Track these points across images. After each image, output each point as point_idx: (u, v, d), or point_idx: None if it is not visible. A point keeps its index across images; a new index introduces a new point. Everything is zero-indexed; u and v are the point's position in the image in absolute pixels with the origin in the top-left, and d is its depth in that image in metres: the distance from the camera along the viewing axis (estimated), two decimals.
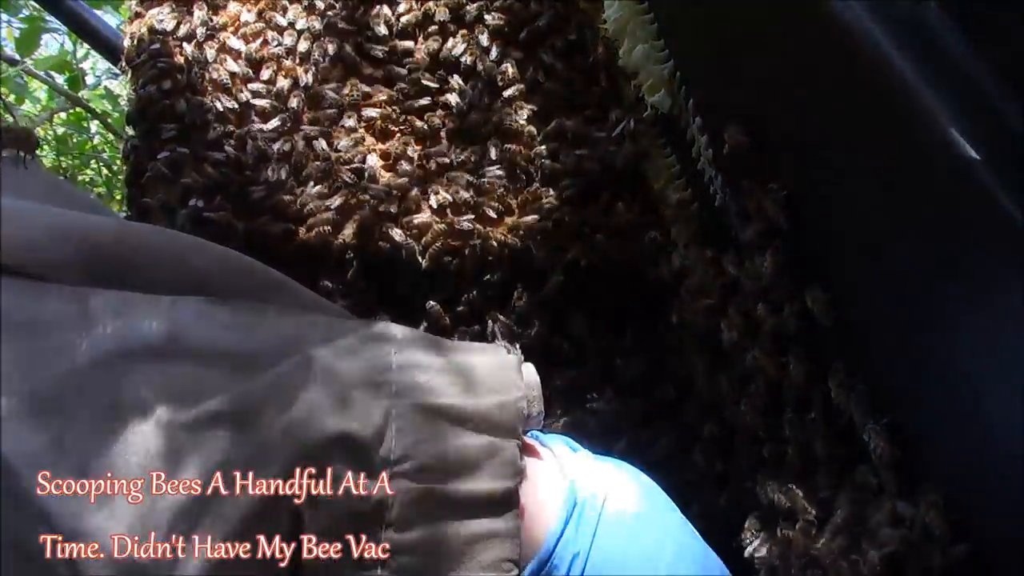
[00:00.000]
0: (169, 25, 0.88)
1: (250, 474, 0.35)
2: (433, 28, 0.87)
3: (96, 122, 2.05)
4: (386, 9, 0.87)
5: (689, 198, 0.72)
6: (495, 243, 0.79)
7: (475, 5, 0.86)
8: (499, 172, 0.82)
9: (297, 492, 0.35)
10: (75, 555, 0.33)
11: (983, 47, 0.41)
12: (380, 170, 0.83)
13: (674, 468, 0.69)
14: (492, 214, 0.80)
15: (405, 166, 0.82)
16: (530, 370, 0.43)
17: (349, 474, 0.36)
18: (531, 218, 0.80)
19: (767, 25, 0.54)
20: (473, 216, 0.80)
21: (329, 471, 0.36)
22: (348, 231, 0.80)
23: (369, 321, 0.44)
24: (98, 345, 0.36)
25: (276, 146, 0.84)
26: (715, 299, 0.64)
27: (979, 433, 0.42)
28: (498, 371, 0.41)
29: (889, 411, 0.49)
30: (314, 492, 0.35)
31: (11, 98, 1.96)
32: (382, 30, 0.86)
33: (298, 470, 0.35)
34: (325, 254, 0.80)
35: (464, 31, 0.86)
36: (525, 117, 0.84)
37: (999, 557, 0.41)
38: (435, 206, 0.81)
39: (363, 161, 0.83)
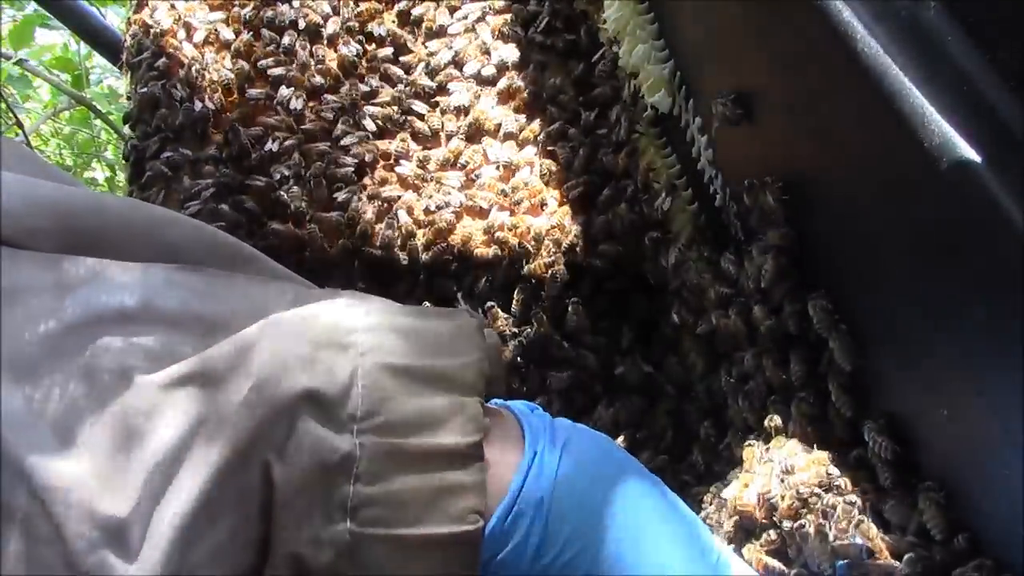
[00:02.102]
0: (168, 25, 0.89)
1: (222, 429, 0.36)
2: (433, 29, 0.87)
3: (100, 120, 2.05)
4: (385, 11, 0.88)
5: (689, 198, 0.72)
6: (495, 243, 0.79)
7: (477, 5, 0.86)
8: (499, 173, 0.82)
9: (267, 446, 0.36)
10: (55, 512, 0.34)
11: (983, 47, 0.41)
12: (381, 170, 0.83)
13: (673, 467, 0.69)
14: (492, 214, 0.80)
15: (405, 166, 0.82)
16: (491, 334, 0.44)
17: (317, 429, 0.37)
18: (531, 218, 0.80)
19: (767, 25, 0.54)
20: (473, 216, 0.80)
21: (298, 426, 0.37)
22: (349, 231, 0.80)
23: (335, 290, 0.45)
24: (73, 310, 0.37)
25: (277, 146, 0.84)
26: (714, 299, 0.64)
27: (984, 432, 0.42)
28: (460, 334, 0.42)
29: (888, 410, 0.49)
30: (282, 445, 0.36)
31: (15, 95, 1.97)
32: (382, 30, 0.86)
33: (268, 425, 0.36)
34: (324, 255, 0.80)
35: (465, 31, 0.86)
36: (525, 117, 0.83)
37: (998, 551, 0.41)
38: (435, 206, 0.81)
39: (364, 161, 0.83)
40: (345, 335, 0.39)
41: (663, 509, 0.44)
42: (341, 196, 0.82)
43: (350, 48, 0.87)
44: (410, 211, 0.81)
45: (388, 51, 0.87)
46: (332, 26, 0.88)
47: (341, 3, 0.88)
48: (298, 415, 0.37)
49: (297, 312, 0.40)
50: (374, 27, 0.87)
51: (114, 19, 1.75)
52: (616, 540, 0.41)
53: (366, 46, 0.87)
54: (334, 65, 0.86)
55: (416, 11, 0.87)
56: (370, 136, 0.84)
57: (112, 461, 0.35)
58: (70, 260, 0.39)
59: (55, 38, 1.97)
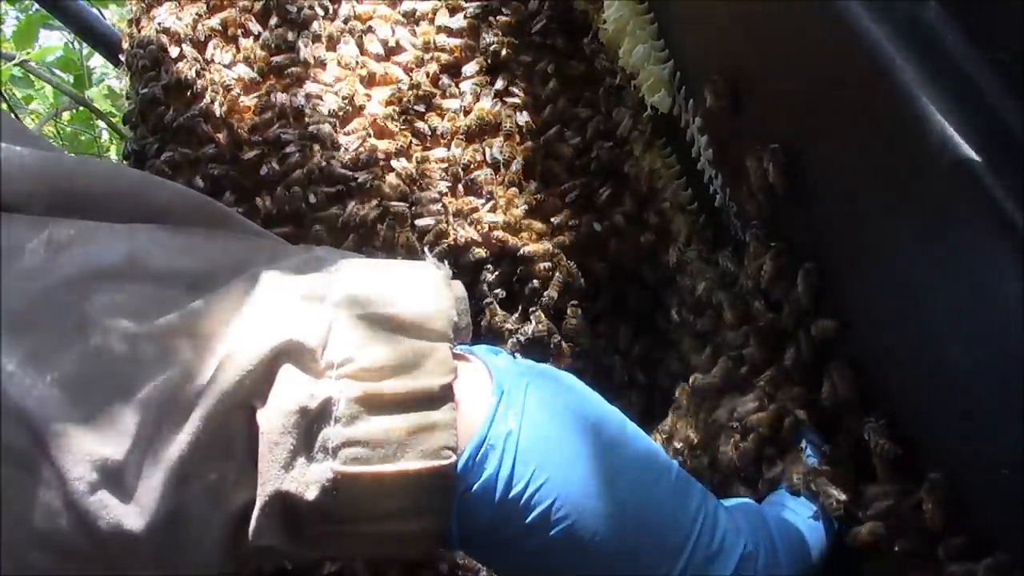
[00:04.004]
0: (168, 26, 0.89)
1: (208, 378, 0.38)
2: (434, 28, 0.87)
3: (102, 121, 2.05)
4: (386, 10, 0.87)
5: (689, 198, 0.72)
6: (494, 242, 0.79)
7: (477, 5, 0.86)
8: (498, 173, 0.82)
9: (252, 392, 0.39)
10: (55, 456, 0.36)
11: (983, 47, 0.41)
12: (380, 169, 0.83)
13: None
14: (491, 214, 0.80)
15: (404, 165, 0.82)
16: (458, 285, 0.47)
17: (297, 376, 0.39)
18: (530, 218, 0.80)
19: (767, 25, 0.54)
20: (472, 216, 0.80)
21: (279, 374, 0.39)
22: (349, 231, 0.80)
23: (309, 246, 0.48)
24: (65, 268, 0.40)
25: (277, 145, 0.84)
26: (714, 297, 0.64)
27: (983, 432, 0.42)
28: (429, 284, 0.44)
29: (888, 408, 0.49)
30: (266, 392, 0.39)
31: (18, 96, 1.97)
32: (382, 30, 0.86)
33: (251, 374, 0.39)
34: None
35: (465, 32, 0.86)
36: (524, 117, 0.83)
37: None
38: (435, 206, 0.81)
39: (364, 160, 0.83)
40: (321, 288, 0.42)
41: (625, 436, 0.46)
42: (341, 196, 0.82)
43: (350, 47, 0.87)
44: (409, 210, 0.81)
45: (386, 50, 0.87)
46: (332, 26, 0.88)
47: (342, 2, 0.88)
48: (279, 363, 0.39)
49: (275, 266, 0.43)
50: (375, 26, 0.87)
51: (114, 19, 1.75)
52: (583, 467, 0.43)
53: (366, 45, 0.87)
54: (335, 64, 0.86)
55: (417, 11, 0.87)
56: (370, 135, 0.84)
57: (105, 409, 0.37)
58: (60, 222, 0.41)
59: (57, 38, 1.97)
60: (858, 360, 0.52)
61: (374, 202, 0.82)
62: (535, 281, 0.79)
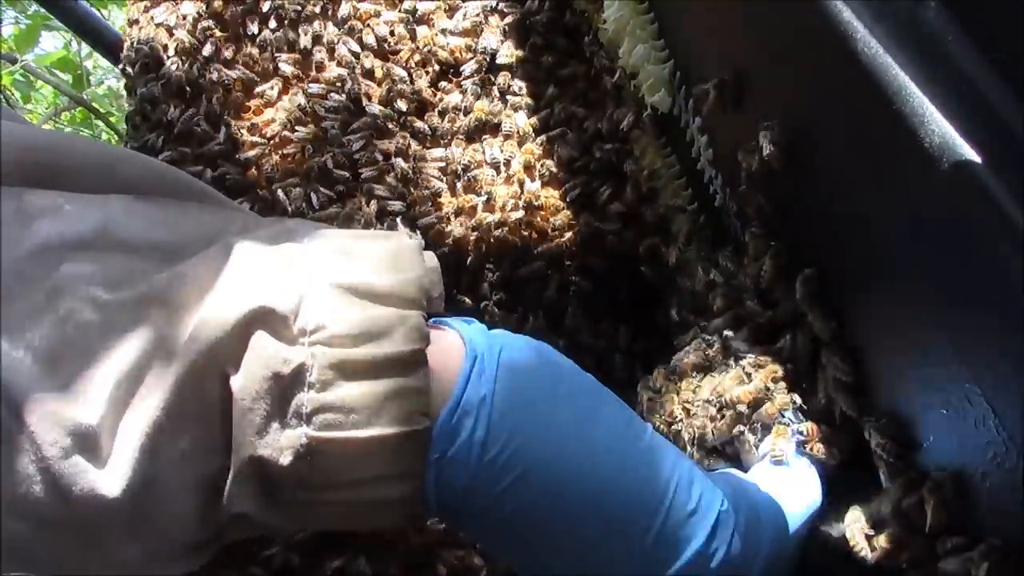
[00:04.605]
0: (168, 25, 0.89)
1: (181, 345, 0.38)
2: (434, 29, 0.87)
3: (101, 121, 2.05)
4: (386, 10, 0.87)
5: (689, 198, 0.72)
6: (494, 241, 0.79)
7: (477, 5, 0.86)
8: (497, 173, 0.82)
9: (225, 358, 0.39)
10: (29, 422, 0.36)
11: (983, 47, 0.41)
12: (380, 169, 0.83)
13: None
14: (491, 214, 0.80)
15: (404, 165, 0.82)
16: (430, 256, 0.47)
17: (270, 342, 0.39)
18: (530, 218, 0.80)
19: (767, 26, 0.54)
20: (472, 216, 0.80)
21: (252, 340, 0.39)
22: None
23: (283, 218, 0.49)
24: (36, 238, 0.40)
25: (277, 144, 0.84)
26: (713, 297, 0.64)
27: (987, 435, 0.42)
28: (401, 253, 0.44)
29: (888, 407, 0.49)
30: (239, 358, 0.39)
31: (17, 96, 1.97)
32: (381, 30, 0.86)
33: (224, 340, 0.38)
34: None
35: (466, 31, 0.86)
36: (524, 117, 0.83)
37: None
38: (435, 207, 0.81)
39: (365, 160, 0.83)
40: (294, 257, 0.42)
41: (600, 400, 0.47)
42: (342, 195, 0.82)
43: (351, 47, 0.87)
44: (409, 210, 0.81)
45: (386, 49, 0.87)
46: (333, 26, 0.88)
47: (342, 2, 0.88)
48: (252, 330, 0.39)
49: (248, 236, 0.43)
50: (375, 26, 0.87)
51: (118, 18, 1.75)
52: (557, 431, 0.44)
53: (366, 45, 0.87)
54: (335, 64, 0.86)
55: (418, 11, 0.87)
56: (371, 135, 0.84)
57: (78, 376, 0.37)
58: (33, 192, 0.41)
59: (57, 38, 1.97)
60: (857, 359, 0.52)
61: (374, 202, 0.82)
62: (535, 281, 0.79)
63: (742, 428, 0.54)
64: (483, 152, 0.82)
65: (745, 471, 0.55)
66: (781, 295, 0.57)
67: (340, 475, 0.40)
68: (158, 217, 0.43)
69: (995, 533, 0.41)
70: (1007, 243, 0.38)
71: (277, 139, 0.85)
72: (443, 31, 0.86)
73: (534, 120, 0.83)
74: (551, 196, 0.80)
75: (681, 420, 0.57)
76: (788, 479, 0.53)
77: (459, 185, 0.81)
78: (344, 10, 0.87)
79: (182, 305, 0.39)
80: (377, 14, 0.87)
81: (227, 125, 0.85)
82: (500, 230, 0.79)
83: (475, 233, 0.79)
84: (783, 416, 0.54)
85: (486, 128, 0.83)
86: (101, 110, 1.90)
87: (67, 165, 0.44)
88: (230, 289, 0.40)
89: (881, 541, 0.46)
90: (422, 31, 0.86)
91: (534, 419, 0.43)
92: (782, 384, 0.55)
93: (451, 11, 0.87)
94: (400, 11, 0.87)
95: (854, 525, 0.47)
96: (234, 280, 0.40)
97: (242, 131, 0.85)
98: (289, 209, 0.82)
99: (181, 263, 0.41)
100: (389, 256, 0.44)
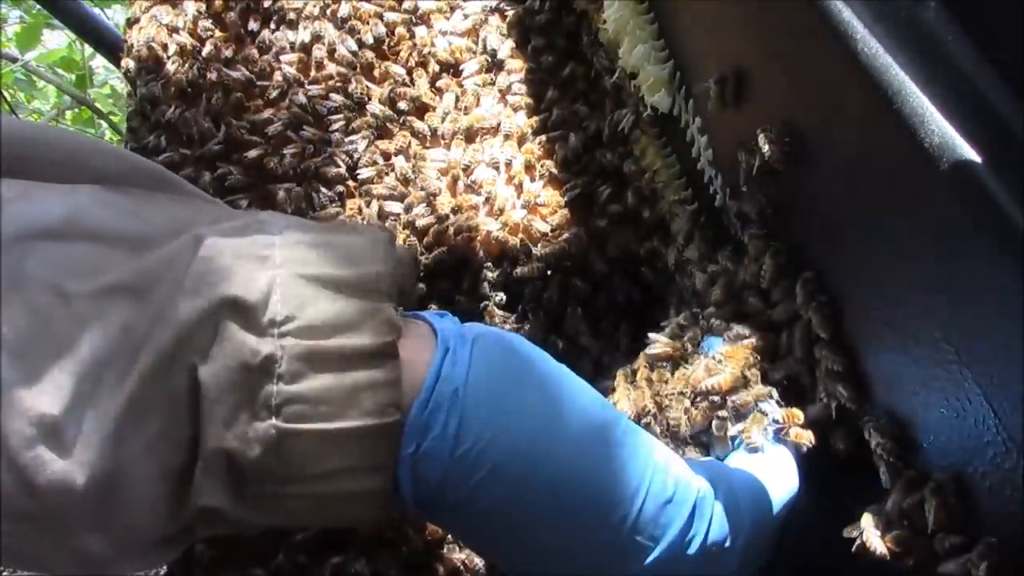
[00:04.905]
0: (169, 25, 0.89)
1: (148, 335, 0.38)
2: (434, 29, 0.87)
3: (104, 121, 2.05)
4: (386, 10, 0.87)
5: (689, 198, 0.72)
6: (494, 242, 0.79)
7: (477, 5, 0.86)
8: (498, 173, 0.81)
9: (192, 349, 0.38)
10: None
11: (983, 47, 0.41)
12: (380, 169, 0.83)
13: None
14: (491, 214, 0.80)
15: (404, 165, 0.82)
16: (403, 248, 0.47)
17: (239, 333, 0.39)
18: (530, 218, 0.79)
19: (766, 27, 0.54)
20: (472, 216, 0.80)
21: (221, 331, 0.38)
22: None
23: (256, 211, 0.48)
24: (3, 227, 0.39)
25: (278, 144, 0.84)
26: (713, 289, 0.64)
27: (987, 435, 0.42)
28: (373, 246, 0.44)
29: (888, 407, 0.49)
30: (207, 349, 0.38)
31: (20, 96, 1.98)
32: (381, 30, 0.86)
33: (192, 331, 0.38)
34: None
35: (466, 32, 0.86)
36: (524, 117, 0.83)
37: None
38: (434, 206, 0.81)
39: (364, 160, 0.83)
40: (263, 248, 0.42)
41: (573, 392, 0.46)
42: (342, 196, 0.82)
43: (351, 47, 0.87)
44: (408, 211, 0.81)
45: (387, 49, 0.87)
46: (333, 26, 0.88)
47: (343, 2, 0.88)
48: (220, 321, 0.39)
49: (219, 227, 0.42)
50: (375, 26, 0.87)
51: (120, 18, 1.75)
52: (530, 423, 0.43)
53: (367, 45, 0.87)
54: (335, 64, 0.86)
55: (418, 11, 0.87)
56: (371, 135, 0.84)
57: (43, 366, 0.37)
58: (1, 181, 0.41)
59: (60, 37, 1.97)
60: (857, 360, 0.52)
61: (375, 203, 0.82)
62: (535, 282, 0.79)
63: (717, 417, 0.54)
64: (483, 152, 0.82)
65: (721, 461, 0.55)
66: (780, 296, 0.57)
67: (310, 467, 0.40)
68: (127, 207, 0.43)
69: (995, 533, 0.41)
70: (1007, 243, 0.38)
71: (277, 139, 0.85)
72: (443, 31, 0.86)
73: (534, 120, 0.83)
74: (551, 196, 0.80)
75: (653, 412, 0.57)
76: (764, 466, 0.52)
77: (459, 185, 0.81)
78: (344, 10, 0.87)
79: (149, 296, 0.39)
80: (377, 14, 0.87)
81: (227, 125, 0.85)
82: (500, 230, 0.79)
83: (475, 233, 0.79)
84: (759, 403, 0.54)
85: (486, 128, 0.83)
86: (104, 110, 1.91)
87: (35, 155, 0.43)
88: (198, 280, 0.39)
89: (888, 543, 0.46)
90: (422, 31, 0.86)
91: (507, 411, 0.43)
92: (757, 371, 0.55)
93: (451, 11, 0.87)
94: (400, 11, 0.87)
95: (869, 529, 0.47)
96: (202, 271, 0.40)
97: (242, 131, 0.85)
98: (289, 210, 0.82)
99: (149, 254, 0.40)
100: (360, 248, 0.44)
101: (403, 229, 0.80)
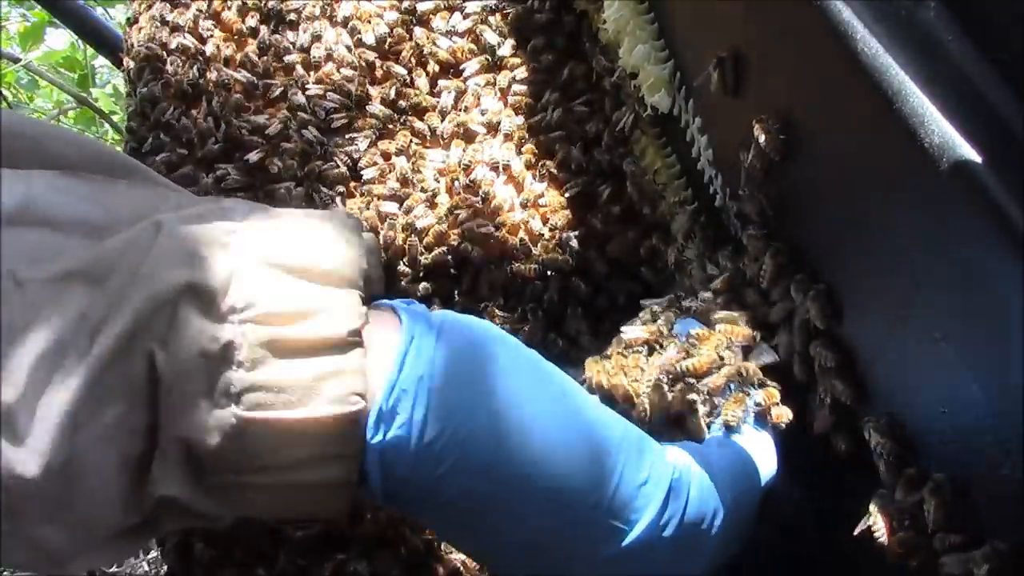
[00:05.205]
0: (169, 25, 0.89)
1: (105, 322, 0.37)
2: (434, 28, 0.87)
3: (106, 121, 2.06)
4: (386, 10, 0.87)
5: (689, 198, 0.72)
6: (494, 242, 0.79)
7: (477, 4, 0.86)
8: (497, 173, 0.81)
9: (150, 335, 0.37)
10: None
11: (983, 47, 0.41)
12: (380, 169, 0.83)
13: None
14: (490, 214, 0.80)
15: (404, 165, 0.82)
16: (369, 236, 0.46)
17: (198, 320, 0.38)
18: (530, 218, 0.79)
19: (766, 27, 0.54)
20: (472, 216, 0.80)
21: (179, 317, 0.38)
22: None
23: (217, 197, 0.48)
24: None
25: (277, 144, 0.84)
26: (713, 296, 0.64)
27: (984, 435, 0.42)
28: (338, 233, 0.44)
29: (888, 407, 0.49)
30: (165, 336, 0.37)
31: (22, 95, 1.98)
32: (381, 30, 0.86)
33: (149, 317, 0.37)
34: None
35: (466, 31, 0.86)
36: (524, 117, 0.83)
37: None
38: (434, 206, 0.81)
39: (367, 161, 0.83)
40: (226, 234, 0.41)
41: (541, 377, 0.46)
42: (342, 196, 0.82)
43: (351, 47, 0.87)
44: (408, 211, 0.81)
45: (387, 49, 0.87)
46: (333, 25, 0.88)
47: (343, 1, 0.88)
48: (179, 307, 0.38)
49: (180, 214, 0.42)
50: (376, 26, 0.87)
51: (120, 17, 1.75)
52: (498, 409, 0.43)
53: (367, 45, 0.87)
54: (335, 64, 0.86)
55: (418, 11, 0.87)
56: (372, 135, 0.84)
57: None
58: None
59: (62, 37, 1.97)
60: (855, 358, 0.52)
61: (375, 202, 0.82)
62: (535, 282, 0.79)
63: (693, 400, 0.53)
64: (483, 152, 0.82)
65: (699, 443, 0.54)
66: (780, 296, 0.57)
67: (271, 457, 0.39)
68: (85, 193, 0.42)
69: (995, 533, 0.41)
70: (1007, 243, 0.38)
71: (278, 139, 0.85)
72: (443, 31, 0.86)
73: (534, 120, 0.83)
74: (551, 196, 0.80)
75: (628, 397, 0.56)
76: (742, 448, 0.52)
77: (458, 185, 0.81)
78: (344, 10, 0.87)
79: (107, 282, 0.38)
80: (378, 14, 0.87)
81: (227, 125, 0.85)
82: (500, 230, 0.79)
83: (475, 233, 0.79)
84: (736, 384, 0.54)
85: (486, 128, 0.83)
86: (105, 110, 1.91)
87: None
88: (157, 265, 0.38)
89: (893, 545, 0.46)
90: (422, 31, 0.86)
91: (473, 397, 0.43)
92: (732, 353, 0.55)
93: (451, 11, 0.87)
94: (400, 11, 0.87)
95: (876, 514, 0.47)
96: (162, 256, 0.39)
97: (242, 131, 0.85)
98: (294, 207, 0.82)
99: (107, 240, 0.39)
100: (326, 235, 0.43)
101: (403, 229, 0.80)
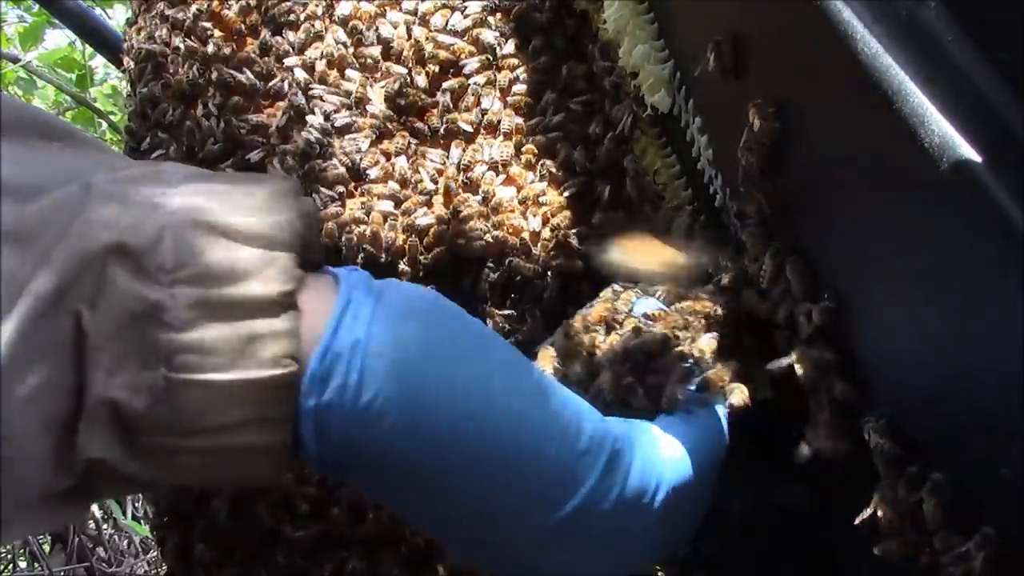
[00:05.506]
0: (169, 24, 0.89)
1: (30, 281, 0.36)
2: (434, 28, 0.87)
3: (104, 121, 2.06)
4: (387, 10, 0.87)
5: (689, 198, 0.72)
6: (493, 242, 0.79)
7: (477, 4, 0.86)
8: (497, 173, 0.81)
9: (77, 295, 0.37)
10: None
11: (983, 47, 0.41)
12: (380, 169, 0.83)
13: None
14: (490, 214, 0.80)
15: (404, 165, 0.82)
16: (308, 201, 0.46)
17: (126, 280, 0.38)
18: (530, 218, 0.80)
19: (765, 27, 0.54)
20: (472, 216, 0.80)
21: (107, 276, 0.37)
22: (351, 232, 0.80)
23: (155, 161, 0.47)
24: None
25: (277, 144, 0.84)
26: (713, 296, 0.64)
27: (983, 435, 0.42)
28: (274, 195, 0.43)
29: (887, 407, 0.49)
30: (93, 296, 0.37)
31: (20, 95, 1.98)
32: (381, 29, 0.86)
33: (76, 276, 0.37)
34: (327, 257, 0.80)
35: (465, 31, 0.86)
36: (524, 117, 0.83)
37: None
38: (434, 207, 0.81)
39: (367, 162, 0.83)
40: (158, 195, 0.40)
41: (483, 344, 0.45)
42: (342, 197, 0.82)
43: (351, 47, 0.87)
44: (410, 212, 0.81)
45: (387, 49, 0.87)
46: (333, 25, 0.88)
47: (343, 1, 0.88)
48: (108, 267, 0.38)
49: (112, 175, 0.41)
50: (376, 26, 0.87)
51: (120, 17, 1.75)
52: (436, 374, 0.42)
53: (367, 44, 0.87)
54: (335, 64, 0.86)
55: (418, 10, 0.87)
56: (372, 135, 0.84)
57: None
58: None
59: (60, 37, 1.98)
60: (855, 357, 0.52)
61: (375, 202, 0.82)
62: (534, 281, 0.79)
63: (644, 378, 0.53)
64: (482, 152, 0.82)
65: (649, 421, 0.54)
66: (779, 296, 0.57)
67: (202, 420, 0.39)
68: (19, 157, 0.41)
69: (996, 530, 0.41)
70: (1007, 243, 0.38)
71: (277, 139, 0.85)
72: (443, 30, 0.86)
73: (534, 120, 0.83)
74: (551, 196, 0.80)
75: (585, 372, 0.56)
76: (691, 427, 0.52)
77: (458, 185, 0.81)
78: (345, 9, 0.87)
79: (35, 242, 0.37)
80: (378, 14, 0.87)
81: (227, 124, 0.85)
82: (499, 230, 0.79)
83: (474, 233, 0.79)
84: (688, 362, 0.54)
85: (486, 128, 0.83)
86: (104, 109, 1.91)
87: None
88: (86, 225, 0.38)
89: (897, 547, 0.46)
90: (422, 31, 0.86)
91: (411, 361, 0.42)
92: (687, 333, 0.55)
93: (451, 11, 0.87)
94: (401, 11, 0.87)
95: (880, 504, 0.47)
96: (91, 216, 0.38)
97: (242, 131, 0.85)
98: None
99: (37, 201, 0.39)
100: (260, 197, 0.42)
101: (403, 230, 0.80)
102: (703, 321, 0.56)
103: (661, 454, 0.49)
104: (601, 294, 0.63)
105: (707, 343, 0.55)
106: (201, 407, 0.39)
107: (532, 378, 0.46)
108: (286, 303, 0.40)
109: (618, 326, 0.58)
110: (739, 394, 0.53)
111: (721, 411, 0.54)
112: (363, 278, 0.45)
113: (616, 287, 0.63)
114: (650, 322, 0.56)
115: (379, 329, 0.42)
